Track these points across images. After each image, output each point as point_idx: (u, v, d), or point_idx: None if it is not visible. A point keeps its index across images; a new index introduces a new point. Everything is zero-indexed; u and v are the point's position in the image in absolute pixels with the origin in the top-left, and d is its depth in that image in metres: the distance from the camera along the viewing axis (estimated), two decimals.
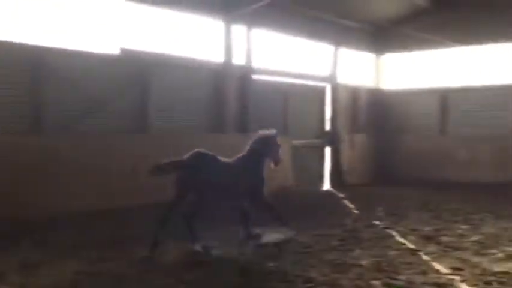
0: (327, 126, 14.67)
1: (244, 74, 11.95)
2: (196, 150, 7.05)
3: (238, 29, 11.88)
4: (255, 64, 12.31)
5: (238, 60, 11.90)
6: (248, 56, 12.05)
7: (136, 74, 9.96)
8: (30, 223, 7.68)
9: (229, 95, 11.57)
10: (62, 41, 8.92)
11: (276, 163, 7.56)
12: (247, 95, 11.97)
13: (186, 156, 6.93)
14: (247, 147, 7.45)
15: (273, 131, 7.62)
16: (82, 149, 8.74)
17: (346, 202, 11.67)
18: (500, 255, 6.65)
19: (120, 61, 9.69)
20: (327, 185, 14.32)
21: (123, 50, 9.63)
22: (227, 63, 11.55)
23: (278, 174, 11.84)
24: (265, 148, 7.43)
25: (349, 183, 13.70)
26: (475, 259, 6.44)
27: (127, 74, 9.82)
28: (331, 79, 14.71)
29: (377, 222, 8.95)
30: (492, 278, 5.66)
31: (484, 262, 6.30)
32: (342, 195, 12.68)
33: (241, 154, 7.44)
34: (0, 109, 8.22)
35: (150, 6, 10.18)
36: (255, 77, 12.30)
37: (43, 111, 8.69)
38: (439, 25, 14.71)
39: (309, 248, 6.96)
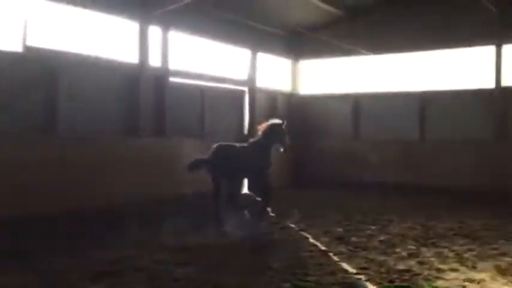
0: (246, 130, 14.72)
1: (160, 76, 11.68)
2: (217, 144, 8.69)
3: (155, 31, 11.60)
4: (172, 66, 12.09)
5: (154, 62, 11.62)
6: (164, 58, 11.81)
7: (43, 73, 9.36)
8: None
9: (144, 97, 11.25)
10: None
11: (285, 148, 8.93)
12: (163, 98, 11.71)
13: (210, 151, 8.61)
14: (258, 134, 8.88)
15: (278, 121, 8.93)
16: None
17: (264, 205, 11.71)
18: (404, 253, 6.99)
19: (25, 59, 9.08)
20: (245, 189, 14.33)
21: (28, 48, 9.03)
22: (142, 64, 11.23)
23: (195, 177, 11.76)
24: (273, 135, 8.80)
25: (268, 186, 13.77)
26: (381, 258, 6.72)
27: (32, 73, 9.21)
28: (249, 83, 14.82)
29: (291, 225, 9.08)
30: (395, 276, 5.92)
31: (389, 261, 6.58)
32: (259, 199, 12.73)
33: (252, 140, 8.98)
34: None
35: (64, 4, 9.68)
36: (172, 79, 12.07)
37: None
38: (353, 33, 15.34)
39: (225, 252, 6.91)
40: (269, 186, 8.94)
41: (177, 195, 11.04)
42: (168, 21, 11.69)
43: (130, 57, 11.18)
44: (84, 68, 10.13)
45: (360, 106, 16.12)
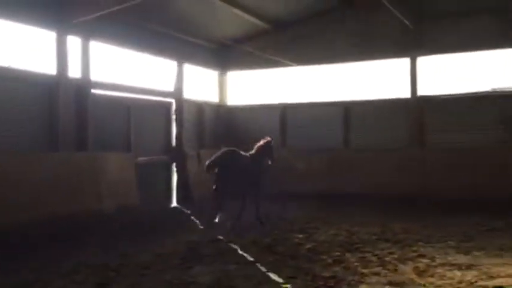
0: (173, 142, 14.49)
1: (81, 88, 11.21)
2: (224, 149, 10.31)
3: (74, 41, 11.15)
4: (94, 78, 11.65)
5: (74, 73, 11.14)
6: (85, 69, 11.34)
7: None
8: None
9: (64, 110, 10.71)
10: None
11: (272, 161, 10.80)
12: (85, 110, 11.22)
13: (217, 155, 10.05)
14: (255, 148, 10.65)
15: (269, 139, 10.82)
16: None
17: (193, 218, 11.58)
18: (330, 260, 7.13)
19: None
20: (174, 202, 14.09)
21: None
22: (61, 76, 10.70)
23: (121, 191, 11.37)
24: (265, 150, 10.63)
25: (196, 199, 13.62)
26: (308, 266, 6.81)
27: None
28: (176, 94, 14.62)
29: (220, 237, 9.00)
30: (321, 283, 6.01)
31: (316, 268, 6.68)
32: (188, 212, 12.57)
33: (250, 152, 10.57)
34: None
35: None
36: (94, 91, 11.63)
37: None
38: (278, 45, 15.63)
39: (147, 270, 6.69)
40: (260, 195, 10.46)
41: (98, 211, 10.58)
42: (88, 31, 11.26)
43: (49, 68, 10.64)
44: None
45: (286, 116, 16.41)
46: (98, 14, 10.40)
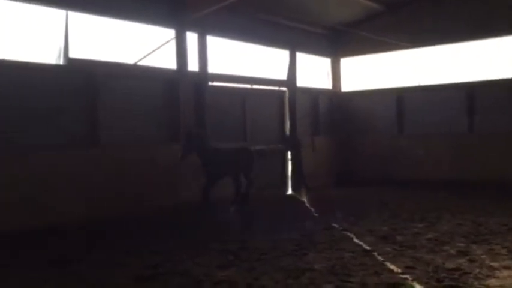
0: (287, 131, 14.63)
1: (199, 81, 11.77)
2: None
3: (191, 36, 11.72)
4: (211, 70, 12.16)
5: (192, 67, 11.73)
6: (202, 63, 11.87)
7: (84, 84, 9.59)
8: None
9: (184, 103, 11.36)
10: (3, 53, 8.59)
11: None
12: (203, 102, 11.78)
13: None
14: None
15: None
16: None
17: (307, 206, 11.63)
18: (452, 251, 6.71)
19: (67, 71, 9.35)
20: (288, 190, 14.26)
21: (70, 60, 9.30)
22: (181, 70, 11.35)
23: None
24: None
25: (310, 187, 13.66)
26: (429, 257, 6.47)
27: (74, 85, 9.46)
28: (289, 83, 14.71)
29: (335, 225, 8.92)
30: (444, 274, 5.68)
31: (437, 259, 6.33)
32: (302, 199, 12.64)
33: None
34: None
35: (100, 16, 9.94)
36: (210, 83, 12.15)
37: None
38: (393, 27, 14.94)
39: (263, 255, 6.85)
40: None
41: (216, 198, 11.06)
42: (204, 26, 11.77)
43: (169, 64, 11.33)
44: (124, 77, 10.31)
45: (403, 100, 15.63)
46: (213, 8, 10.78)
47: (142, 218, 9.50)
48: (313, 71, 16.28)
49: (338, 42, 16.55)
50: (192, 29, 11.60)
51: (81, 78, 9.55)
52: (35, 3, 8.95)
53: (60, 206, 8.73)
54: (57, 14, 9.25)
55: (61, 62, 9.21)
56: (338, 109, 16.60)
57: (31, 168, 8.50)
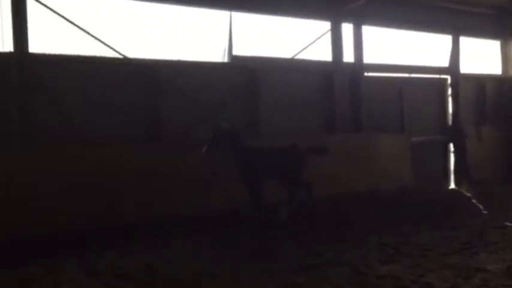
0: (449, 121, 13.71)
1: (354, 72, 11.65)
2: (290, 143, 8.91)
3: (346, 27, 11.64)
4: (366, 61, 11.94)
5: (347, 58, 11.66)
6: (358, 54, 11.72)
7: (246, 80, 10.18)
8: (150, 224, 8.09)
9: (339, 94, 11.36)
10: (173, 53, 9.47)
11: None
12: (358, 93, 11.65)
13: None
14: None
15: None
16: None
17: (473, 201, 10.78)
18: None
19: (232, 69, 10.00)
20: (451, 184, 13.38)
21: (234, 58, 9.94)
22: (336, 62, 11.36)
23: (396, 172, 11.41)
24: None
25: (476, 181, 12.62)
26: None
27: (238, 81, 10.08)
28: (451, 70, 13.74)
29: (509, 224, 8.14)
30: None
31: None
32: (468, 194, 11.74)
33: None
34: (119, 119, 8.78)
35: (260, 14, 10.43)
36: (366, 74, 11.93)
37: (158, 120, 9.19)
38: None
39: (428, 251, 6.56)
40: None
41: (374, 191, 10.81)
42: (359, 16, 11.59)
43: (324, 55, 11.41)
44: (281, 71, 10.66)
45: None
46: None
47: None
48: (477, 55, 14.94)
49: (508, 22, 14.92)
50: (348, 20, 11.52)
51: (243, 74, 10.14)
52: (204, 7, 9.77)
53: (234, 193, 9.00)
54: (220, 15, 9.95)
55: (226, 59, 9.89)
56: (508, 96, 15.02)
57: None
